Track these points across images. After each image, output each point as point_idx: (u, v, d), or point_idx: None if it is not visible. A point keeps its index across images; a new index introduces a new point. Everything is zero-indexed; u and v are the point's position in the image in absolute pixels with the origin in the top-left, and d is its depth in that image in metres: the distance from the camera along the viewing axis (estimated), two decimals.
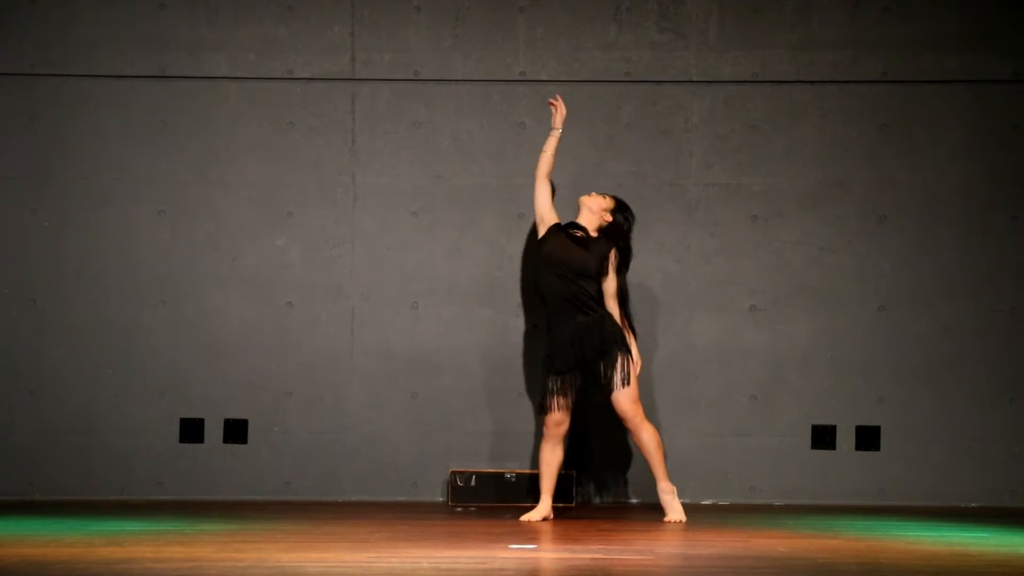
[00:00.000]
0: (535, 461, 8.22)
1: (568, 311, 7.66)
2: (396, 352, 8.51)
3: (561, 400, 7.67)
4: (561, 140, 7.85)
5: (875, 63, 8.55)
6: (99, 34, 8.52)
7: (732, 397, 8.51)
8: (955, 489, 8.46)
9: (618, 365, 7.60)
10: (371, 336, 8.51)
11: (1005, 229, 8.53)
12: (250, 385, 8.48)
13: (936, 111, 8.56)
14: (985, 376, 8.50)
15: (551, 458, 7.73)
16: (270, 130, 8.56)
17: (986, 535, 6.87)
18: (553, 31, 8.57)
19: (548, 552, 6.24)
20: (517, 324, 8.51)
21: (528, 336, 8.49)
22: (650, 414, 8.07)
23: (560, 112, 7.88)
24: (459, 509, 8.13)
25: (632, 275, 8.02)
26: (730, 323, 8.53)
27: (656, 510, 7.76)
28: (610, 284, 7.74)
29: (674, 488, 7.71)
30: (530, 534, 6.92)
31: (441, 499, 8.46)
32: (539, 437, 7.96)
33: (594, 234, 7.77)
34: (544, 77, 8.56)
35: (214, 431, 8.46)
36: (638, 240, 8.09)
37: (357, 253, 8.54)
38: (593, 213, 7.79)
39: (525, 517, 7.63)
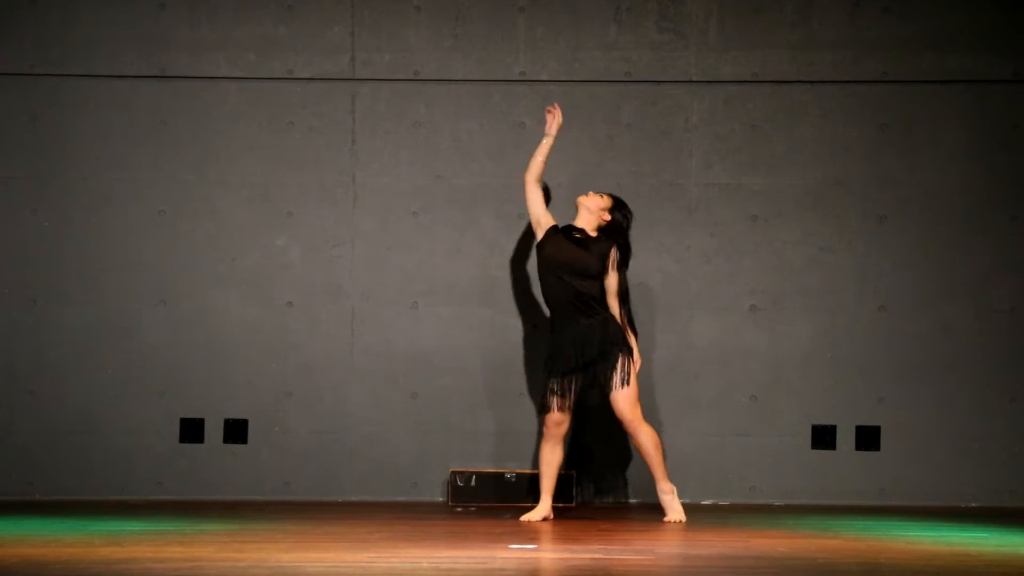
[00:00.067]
0: (535, 461, 8.22)
1: (571, 313, 7.66)
2: (396, 352, 8.51)
3: (561, 401, 7.66)
4: (553, 148, 7.87)
5: (875, 63, 8.55)
6: (99, 34, 8.52)
7: (732, 397, 8.51)
8: (955, 489, 8.46)
9: (618, 366, 7.59)
10: (371, 336, 8.51)
11: (1005, 229, 8.53)
12: (250, 385, 8.48)
13: (936, 111, 8.56)
14: (985, 376, 8.50)
15: (551, 458, 7.73)
16: (270, 130, 8.56)
17: (986, 535, 6.87)
18: (553, 31, 8.57)
19: (548, 552, 6.24)
20: (517, 324, 8.51)
21: (528, 336, 8.49)
22: (650, 414, 8.07)
23: (556, 120, 7.88)
24: (459, 509, 8.13)
25: (632, 275, 8.02)
26: (730, 323, 8.53)
27: (656, 510, 7.76)
28: (611, 282, 7.73)
29: (674, 488, 7.70)
30: (530, 534, 6.92)
31: (441, 499, 8.46)
32: (539, 437, 7.96)
33: (593, 234, 7.77)
34: (544, 77, 8.56)
35: (214, 431, 8.46)
36: (638, 240, 8.09)
37: (357, 253, 8.54)
38: (591, 213, 7.78)
39: (525, 517, 7.63)
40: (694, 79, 8.56)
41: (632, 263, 7.91)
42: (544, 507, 7.69)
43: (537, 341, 8.38)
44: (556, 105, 7.92)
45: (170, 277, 8.50)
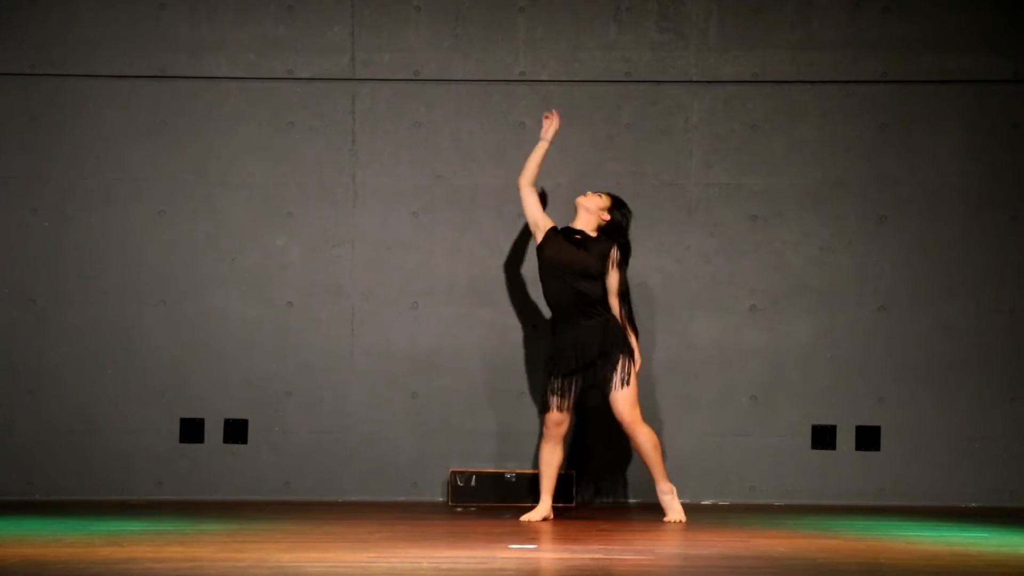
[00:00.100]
0: (535, 461, 8.22)
1: (573, 314, 7.65)
2: (396, 352, 8.51)
3: (561, 401, 7.66)
4: (548, 153, 7.88)
5: (875, 63, 8.55)
6: (99, 34, 8.52)
7: (732, 397, 8.51)
8: (955, 489, 8.46)
9: (618, 366, 7.59)
10: (371, 336, 8.51)
11: (1005, 229, 8.53)
12: (250, 385, 8.48)
13: (936, 111, 8.56)
14: (985, 376, 8.50)
15: (551, 458, 7.73)
16: (270, 130, 8.56)
17: (986, 535, 6.87)
18: (553, 31, 8.57)
19: (548, 552, 6.23)
20: (517, 324, 8.51)
21: (528, 336, 8.49)
22: (650, 414, 8.07)
23: (553, 126, 7.89)
24: (459, 509, 8.13)
25: (632, 275, 8.02)
26: (730, 323, 8.53)
27: (656, 510, 7.76)
28: (612, 281, 7.73)
29: (674, 488, 7.70)
30: (530, 534, 6.92)
31: (441, 499, 8.46)
32: (539, 437, 7.96)
33: (593, 234, 7.76)
34: (544, 77, 8.56)
35: (214, 431, 8.46)
36: (638, 240, 8.09)
37: (357, 253, 8.54)
38: (590, 213, 7.78)
39: (525, 517, 7.63)
40: (694, 79, 8.56)
41: (632, 263, 7.91)
42: (544, 507, 7.69)
43: (537, 341, 8.38)
44: (554, 111, 7.93)
45: (170, 277, 8.50)
